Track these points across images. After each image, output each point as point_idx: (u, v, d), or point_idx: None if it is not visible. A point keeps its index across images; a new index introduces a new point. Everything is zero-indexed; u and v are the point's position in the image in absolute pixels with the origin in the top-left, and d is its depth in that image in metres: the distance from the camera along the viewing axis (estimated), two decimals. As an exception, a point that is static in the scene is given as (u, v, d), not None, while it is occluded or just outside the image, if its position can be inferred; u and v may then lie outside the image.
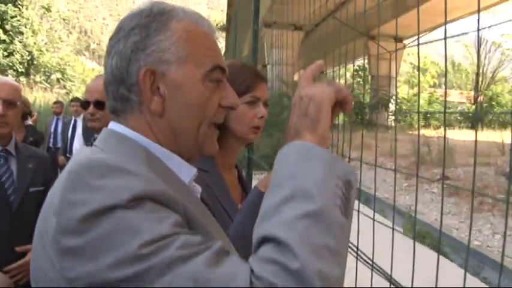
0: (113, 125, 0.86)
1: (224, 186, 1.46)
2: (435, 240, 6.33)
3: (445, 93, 1.33)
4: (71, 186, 0.66)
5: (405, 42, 26.38)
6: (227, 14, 29.79)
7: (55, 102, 8.30)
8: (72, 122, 6.90)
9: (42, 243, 0.67)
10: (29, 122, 5.65)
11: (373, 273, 1.41)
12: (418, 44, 1.37)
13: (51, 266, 0.64)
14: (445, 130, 1.32)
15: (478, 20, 1.05)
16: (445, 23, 1.14)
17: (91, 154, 0.73)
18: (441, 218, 1.25)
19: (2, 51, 21.76)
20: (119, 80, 0.83)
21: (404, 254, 1.43)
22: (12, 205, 1.94)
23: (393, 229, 1.38)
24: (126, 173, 0.67)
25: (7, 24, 22.11)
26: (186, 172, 0.86)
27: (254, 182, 3.35)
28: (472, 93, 33.35)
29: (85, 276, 0.61)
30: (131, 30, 0.83)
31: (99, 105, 2.00)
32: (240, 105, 0.93)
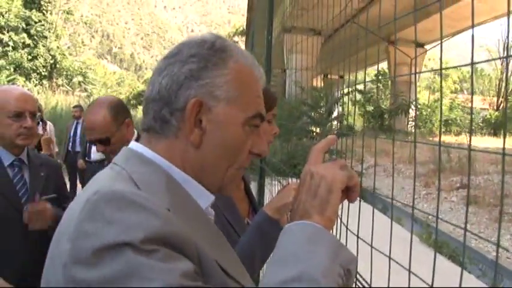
0: (134, 145, 0.86)
1: (231, 203, 1.45)
2: (453, 250, 6.22)
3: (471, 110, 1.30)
4: (88, 215, 0.66)
5: (426, 47, 26.16)
6: (247, 18, 29.93)
7: (74, 106, 8.37)
8: (74, 124, 6.95)
9: (53, 266, 0.68)
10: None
11: None
12: (442, 47, 1.34)
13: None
14: (470, 143, 1.29)
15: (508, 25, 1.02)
16: (472, 26, 1.12)
17: (112, 181, 0.74)
18: (464, 241, 1.22)
19: (26, 55, 22.20)
20: (165, 101, 0.82)
21: (420, 266, 1.40)
22: (21, 209, 1.96)
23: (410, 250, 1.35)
24: (143, 210, 0.66)
25: (32, 29, 22.56)
26: (205, 198, 0.86)
27: (267, 189, 3.33)
28: (495, 99, 32.82)
29: None
30: (190, 57, 0.83)
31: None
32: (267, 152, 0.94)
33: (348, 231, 1.51)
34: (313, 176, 0.80)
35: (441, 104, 1.14)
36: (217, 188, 0.87)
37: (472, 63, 0.93)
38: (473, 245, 6.79)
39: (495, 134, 28.44)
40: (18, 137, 1.98)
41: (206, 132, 0.82)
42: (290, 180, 2.13)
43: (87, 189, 0.75)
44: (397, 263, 1.31)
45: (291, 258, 0.69)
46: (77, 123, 7.89)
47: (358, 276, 1.34)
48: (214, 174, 0.85)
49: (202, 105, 0.81)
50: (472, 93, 1.53)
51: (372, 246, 1.37)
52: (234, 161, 0.85)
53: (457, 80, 49.38)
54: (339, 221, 1.55)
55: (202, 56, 0.83)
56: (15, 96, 1.98)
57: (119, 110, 2.08)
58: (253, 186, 3.28)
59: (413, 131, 24.38)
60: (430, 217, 7.72)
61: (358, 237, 1.43)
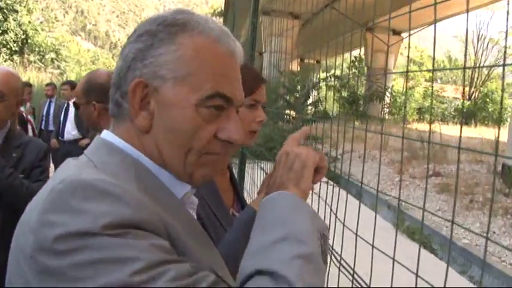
0: (105, 134, 0.82)
1: (216, 193, 1.41)
2: (425, 236, 6.34)
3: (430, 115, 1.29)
4: (51, 206, 0.62)
5: (403, 35, 26.37)
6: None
7: (47, 85, 8.14)
8: (65, 105, 6.81)
9: (17, 260, 0.64)
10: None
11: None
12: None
13: (25, 284, 0.61)
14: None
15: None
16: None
17: (77, 171, 0.69)
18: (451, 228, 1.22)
19: (-5, 28, 21.50)
20: (117, 84, 0.80)
21: (396, 253, 1.40)
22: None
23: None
24: (112, 198, 0.62)
25: (1, 1, 21.80)
26: (180, 187, 0.81)
27: (247, 174, 3.31)
28: (467, 89, 33.40)
29: None
30: (140, 36, 0.78)
31: None
32: (241, 140, 0.83)
33: (335, 218, 1.50)
34: (288, 154, 0.92)
35: (431, 100, 1.13)
36: (186, 176, 0.80)
37: (465, 68, 0.91)
38: (444, 232, 6.94)
39: (466, 123, 29.01)
40: None
41: (155, 116, 0.77)
42: (271, 165, 2.10)
43: (53, 177, 0.70)
44: (379, 250, 1.31)
45: (278, 222, 0.75)
46: (50, 101, 7.70)
47: (356, 276, 1.33)
48: (172, 160, 0.78)
49: (148, 86, 0.76)
50: (433, 85, 1.53)
51: (356, 234, 1.37)
52: (190, 146, 0.76)
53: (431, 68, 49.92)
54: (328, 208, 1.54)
55: (151, 33, 0.77)
56: None
57: (96, 88, 2.02)
58: (235, 171, 3.26)
59: (387, 117, 24.69)
60: (403, 204, 7.84)
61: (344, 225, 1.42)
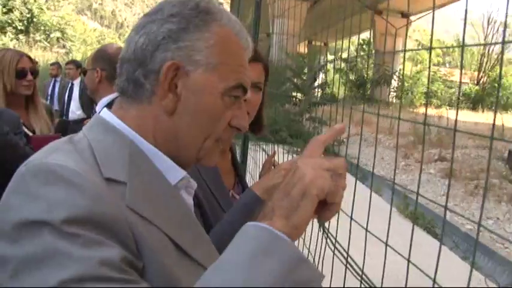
0: (104, 113, 0.80)
1: (216, 174, 1.39)
2: (428, 221, 6.33)
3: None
4: (14, 188, 0.63)
5: (412, 18, 26.06)
6: (233, -21, 29.25)
7: (52, 64, 8.13)
8: (69, 85, 6.79)
9: None
10: None
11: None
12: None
13: None
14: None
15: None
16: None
17: (44, 154, 0.68)
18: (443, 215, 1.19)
19: (1, 7, 21.40)
20: (140, 61, 0.77)
21: (398, 237, 1.38)
22: None
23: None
24: (71, 187, 0.61)
25: (7, -21, 21.68)
26: (174, 173, 0.80)
27: (250, 156, 3.29)
28: (476, 73, 33.07)
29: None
30: (171, 16, 0.77)
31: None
32: (247, 127, 0.87)
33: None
34: (295, 172, 0.67)
35: (428, 80, 1.09)
36: (195, 160, 0.82)
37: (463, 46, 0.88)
38: (448, 217, 6.93)
39: (474, 108, 28.79)
40: None
41: (181, 99, 0.77)
42: (274, 147, 2.08)
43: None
44: (373, 235, 1.28)
45: (235, 267, 0.59)
46: (55, 81, 7.67)
47: (364, 276, 1.31)
48: (189, 144, 0.79)
49: (179, 69, 0.75)
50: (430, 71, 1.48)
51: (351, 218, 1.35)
52: (211, 132, 0.79)
53: (440, 52, 49.57)
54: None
55: (184, 16, 0.77)
56: None
57: (104, 57, 2.20)
58: (237, 153, 3.24)
59: (394, 101, 24.56)
60: (408, 188, 7.82)
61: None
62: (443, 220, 1.08)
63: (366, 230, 1.22)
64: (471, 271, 0.90)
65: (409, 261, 1.03)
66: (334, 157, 0.70)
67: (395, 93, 26.39)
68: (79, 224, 0.58)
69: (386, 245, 1.13)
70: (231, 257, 0.61)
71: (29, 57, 2.54)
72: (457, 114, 1.01)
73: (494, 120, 0.89)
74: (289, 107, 12.22)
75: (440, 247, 1.01)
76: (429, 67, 1.19)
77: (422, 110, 20.52)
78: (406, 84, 29.43)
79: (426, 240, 5.56)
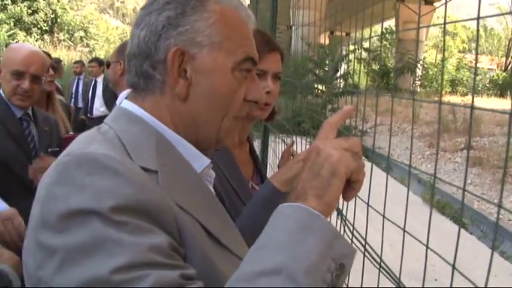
0: (125, 103, 0.81)
1: (234, 165, 1.37)
2: (455, 211, 6.23)
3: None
4: (58, 178, 0.62)
5: (436, 4, 25.55)
6: (252, -28, 29.12)
7: (75, 62, 8.26)
8: (93, 82, 6.89)
9: (29, 230, 0.64)
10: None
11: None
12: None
13: (31, 253, 0.62)
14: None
15: None
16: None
17: (85, 144, 0.68)
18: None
19: (26, 8, 21.80)
20: (145, 54, 0.77)
21: (423, 227, 1.35)
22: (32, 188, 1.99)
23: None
24: (116, 176, 0.61)
25: (31, -19, 22.06)
26: (199, 161, 0.80)
27: (270, 148, 3.28)
28: (503, 59, 32.28)
29: (48, 279, 0.57)
30: (167, 3, 0.78)
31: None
32: (264, 98, 0.86)
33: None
34: (319, 154, 0.69)
35: (443, 58, 1.07)
36: (215, 141, 0.82)
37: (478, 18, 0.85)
38: (475, 206, 6.80)
39: (502, 95, 28.10)
40: (14, 96, 1.99)
41: (192, 83, 0.76)
42: (294, 138, 2.06)
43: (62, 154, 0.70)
44: (390, 221, 1.26)
45: (275, 246, 0.60)
46: (79, 79, 7.78)
47: (383, 264, 1.29)
48: (208, 126, 0.79)
49: (185, 53, 0.75)
50: (477, 48, 1.43)
51: (368, 204, 1.33)
52: (228, 110, 0.79)
53: (466, 39, 48.52)
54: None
55: (179, 1, 0.77)
56: (22, 54, 1.99)
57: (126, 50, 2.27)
58: (257, 145, 3.24)
59: (419, 90, 24.16)
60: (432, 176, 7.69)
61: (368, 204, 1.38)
62: (462, 202, 1.05)
63: (383, 216, 1.19)
64: (492, 253, 0.88)
65: (427, 247, 1.01)
66: (348, 137, 0.73)
67: (419, 82, 25.95)
68: (127, 212, 0.59)
69: (404, 231, 1.11)
70: (273, 237, 0.62)
71: (47, 54, 2.63)
72: (474, 89, 0.97)
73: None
74: (311, 98, 12.14)
75: (459, 230, 0.99)
76: (477, 40, 1.16)
77: (447, 98, 20.14)
78: (430, 72, 28.92)
79: (452, 230, 5.47)
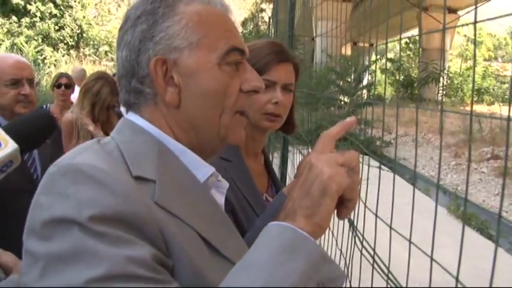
0: (130, 115, 0.82)
1: (247, 176, 1.36)
2: (481, 222, 6.10)
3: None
4: (44, 187, 0.64)
5: (460, 13, 25.26)
6: (274, -15, 29.25)
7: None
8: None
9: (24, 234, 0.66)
10: None
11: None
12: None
13: (23, 259, 0.63)
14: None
15: None
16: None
17: (73, 154, 0.69)
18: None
19: (53, 25, 22.36)
20: (131, 73, 0.78)
21: (448, 238, 1.34)
22: (35, 182, 1.94)
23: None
24: (100, 186, 0.61)
25: (57, -2, 22.66)
26: (203, 170, 0.80)
27: (290, 160, 3.28)
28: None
29: (31, 285, 0.58)
30: (137, 18, 0.78)
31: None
32: (264, 87, 0.85)
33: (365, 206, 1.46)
34: (311, 169, 0.67)
35: (474, 67, 1.07)
36: (220, 141, 0.81)
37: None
38: (504, 214, 6.64)
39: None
40: (18, 105, 1.93)
41: (182, 88, 0.77)
42: (310, 150, 2.06)
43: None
44: (396, 231, 1.26)
45: (258, 267, 0.59)
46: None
47: (391, 275, 1.28)
48: (207, 127, 0.79)
49: (166, 61, 0.76)
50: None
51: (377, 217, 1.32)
52: (223, 106, 0.78)
53: (491, 47, 47.73)
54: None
55: (149, 12, 0.77)
56: (10, 63, 1.92)
57: None
58: (278, 157, 3.24)
59: (444, 100, 23.84)
60: (459, 188, 7.57)
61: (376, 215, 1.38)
62: (465, 199, 1.04)
63: (390, 227, 1.19)
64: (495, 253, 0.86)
65: (432, 258, 1.00)
66: (346, 151, 0.70)
67: (444, 92, 25.60)
68: (107, 222, 0.58)
69: (410, 242, 1.10)
70: (256, 257, 0.61)
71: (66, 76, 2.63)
72: (510, 100, 0.94)
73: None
74: (334, 110, 12.09)
75: (463, 229, 0.98)
76: (474, 44, 1.15)
77: (474, 107, 19.77)
78: (455, 81, 28.52)
79: (479, 241, 5.36)
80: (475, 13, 0.80)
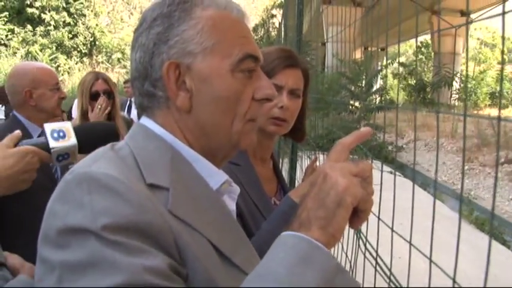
0: (143, 119, 0.82)
1: (256, 180, 1.36)
2: (495, 227, 6.02)
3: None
4: (60, 195, 0.64)
5: (472, 16, 25.06)
6: (284, -9, 29.30)
7: (126, 82, 8.44)
8: (128, 102, 6.97)
9: (38, 241, 0.66)
10: None
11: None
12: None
13: (37, 266, 0.64)
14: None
15: None
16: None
17: (89, 162, 0.69)
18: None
19: (67, 33, 22.67)
20: (144, 75, 0.78)
21: (463, 244, 1.33)
22: (56, 182, 1.98)
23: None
24: (115, 196, 0.61)
25: (71, 7, 22.97)
26: (216, 177, 0.80)
27: (298, 165, 3.28)
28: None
29: None
30: (153, 21, 0.78)
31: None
32: (276, 95, 0.84)
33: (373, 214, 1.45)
34: (325, 179, 0.66)
35: (502, 71, 1.06)
36: (232, 147, 0.81)
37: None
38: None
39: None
40: (58, 108, 2.12)
41: (194, 93, 0.76)
42: (317, 154, 2.06)
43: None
44: (398, 234, 1.25)
45: (273, 278, 0.58)
46: (131, 101, 7.74)
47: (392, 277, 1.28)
48: (218, 133, 0.79)
49: (179, 66, 0.75)
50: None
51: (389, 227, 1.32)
52: (235, 113, 0.78)
53: (505, 50, 47.26)
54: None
55: (165, 15, 0.77)
56: (50, 70, 2.14)
57: None
58: (287, 162, 3.24)
59: (456, 104, 23.66)
60: (472, 193, 7.49)
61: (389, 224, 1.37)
62: (460, 199, 1.03)
63: (392, 230, 1.19)
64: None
65: (431, 260, 1.00)
66: (359, 161, 0.70)
67: (457, 95, 25.39)
68: (122, 232, 0.58)
69: (411, 244, 1.10)
70: (270, 267, 0.60)
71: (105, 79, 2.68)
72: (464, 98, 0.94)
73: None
74: (345, 114, 12.04)
75: (459, 231, 0.97)
76: (467, 46, 1.14)
77: (487, 111, 19.58)
78: (469, 85, 28.25)
79: (492, 246, 5.29)
80: (503, 6, 0.78)
